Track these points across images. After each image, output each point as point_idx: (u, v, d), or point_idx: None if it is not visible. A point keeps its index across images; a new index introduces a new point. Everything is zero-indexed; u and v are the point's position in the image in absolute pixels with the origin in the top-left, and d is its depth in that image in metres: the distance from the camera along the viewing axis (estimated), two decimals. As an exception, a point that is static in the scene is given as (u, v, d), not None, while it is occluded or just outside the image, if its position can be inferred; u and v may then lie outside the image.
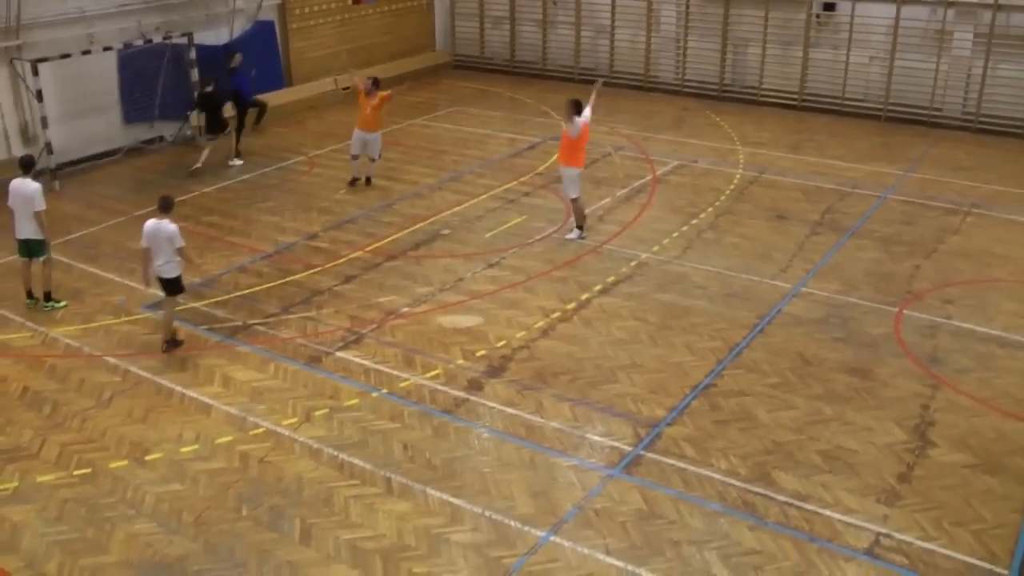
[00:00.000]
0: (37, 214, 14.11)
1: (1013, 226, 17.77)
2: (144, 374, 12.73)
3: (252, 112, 22.99)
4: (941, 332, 13.78)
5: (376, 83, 19.47)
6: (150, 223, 13.04)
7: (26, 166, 14.41)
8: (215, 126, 21.08)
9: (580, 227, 17.05)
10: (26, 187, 14.16)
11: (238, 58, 22.23)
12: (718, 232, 17.36)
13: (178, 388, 12.38)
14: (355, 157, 19.65)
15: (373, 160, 19.74)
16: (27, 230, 14.30)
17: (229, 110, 21.56)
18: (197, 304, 14.58)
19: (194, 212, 18.31)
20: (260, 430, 11.44)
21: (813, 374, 12.60)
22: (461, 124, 24.28)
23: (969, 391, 12.25)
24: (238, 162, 21.31)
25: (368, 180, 19.74)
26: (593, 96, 17.54)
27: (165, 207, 13.03)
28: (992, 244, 16.89)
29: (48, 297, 14.68)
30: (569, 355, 13.07)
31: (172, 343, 13.44)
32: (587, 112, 16.82)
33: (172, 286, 13.30)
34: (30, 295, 14.73)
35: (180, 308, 13.98)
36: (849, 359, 12.99)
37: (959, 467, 10.77)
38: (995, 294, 14.96)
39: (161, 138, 22.80)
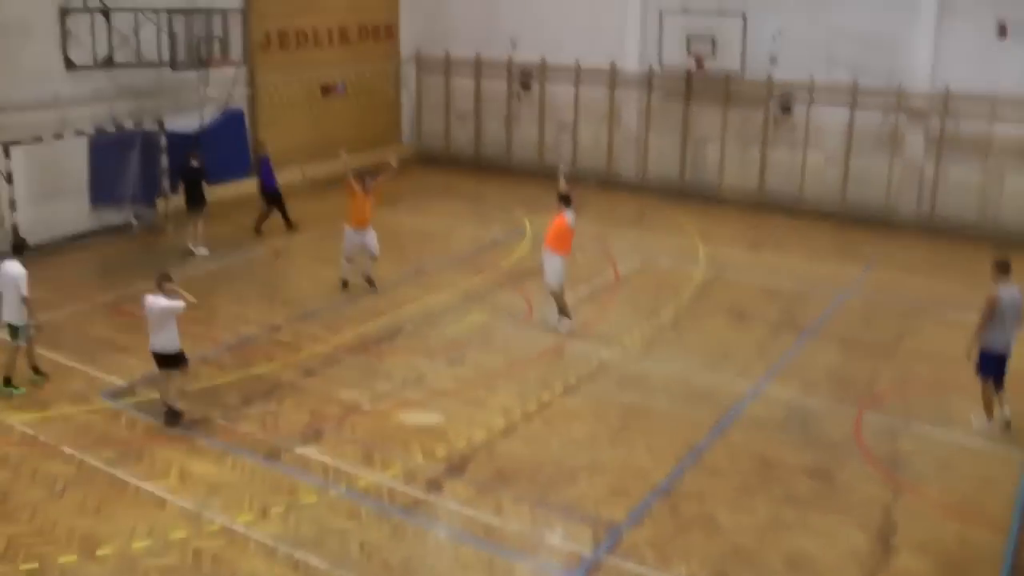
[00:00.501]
0: (25, 300, 14.26)
1: (968, 327, 17.73)
2: (99, 465, 12.38)
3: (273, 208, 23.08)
4: (902, 435, 13.70)
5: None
6: (148, 298, 13.34)
7: (16, 249, 14.73)
8: (196, 201, 21.25)
9: (567, 315, 17.08)
10: (13, 269, 14.32)
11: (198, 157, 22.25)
12: (679, 331, 17.34)
13: (133, 480, 12.03)
14: (350, 260, 18.85)
15: (374, 258, 18.91)
16: (9, 313, 14.41)
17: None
18: (157, 395, 14.25)
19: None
20: (215, 526, 11.09)
21: (774, 476, 12.46)
22: (425, 218, 24.27)
23: (931, 496, 12.15)
24: (203, 251, 21.13)
25: (371, 281, 18.96)
26: (562, 183, 17.65)
27: (161, 281, 13.40)
28: (949, 346, 16.73)
29: (8, 382, 14.44)
30: (530, 455, 12.86)
31: (173, 414, 13.51)
32: (571, 213, 17.02)
33: (175, 360, 13.54)
34: (36, 370, 14.87)
35: (140, 399, 13.94)
36: (810, 462, 12.86)
37: (921, 575, 10.60)
38: (955, 397, 14.84)
39: (129, 224, 22.62)
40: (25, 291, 14.23)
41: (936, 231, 24.02)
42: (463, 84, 30.75)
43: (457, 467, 12.51)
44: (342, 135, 27.78)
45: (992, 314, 13.55)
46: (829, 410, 14.38)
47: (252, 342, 16.39)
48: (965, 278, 20.50)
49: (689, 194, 27.07)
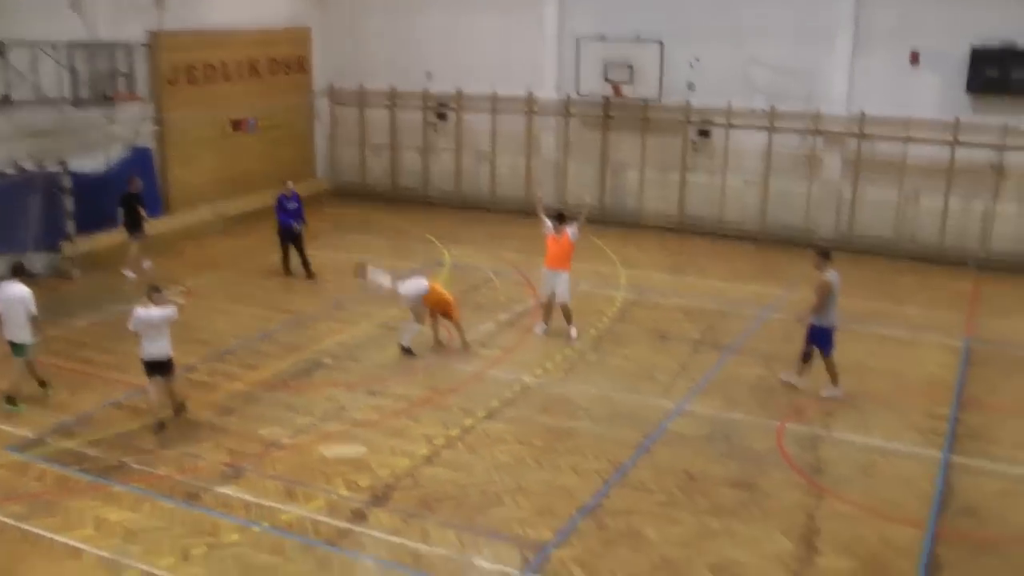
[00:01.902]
0: (34, 318, 15.29)
1: (887, 340, 18.64)
2: (8, 520, 12.21)
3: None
4: (823, 444, 14.32)
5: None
6: (139, 311, 14.27)
7: (16, 271, 15.68)
8: (135, 226, 22.19)
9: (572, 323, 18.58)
10: (18, 290, 15.28)
11: (138, 183, 22.67)
12: (601, 354, 17.79)
13: (46, 534, 11.92)
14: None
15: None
16: (14, 332, 15.29)
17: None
18: (69, 444, 14.22)
19: (66, 348, 17.96)
20: (135, 573, 11.10)
21: (699, 490, 12.90)
22: (342, 252, 24.48)
23: (852, 499, 12.71)
24: (131, 275, 21.98)
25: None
26: (583, 218, 18.55)
27: (151, 292, 14.43)
28: (868, 358, 17.64)
29: (11, 400, 15.37)
30: (454, 481, 13.13)
31: (181, 409, 15.01)
32: (574, 227, 18.23)
33: (168, 367, 14.68)
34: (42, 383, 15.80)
35: (51, 449, 13.92)
36: (734, 473, 13.35)
37: (845, 573, 11.12)
38: (872, 405, 15.64)
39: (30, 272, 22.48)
40: (34, 309, 15.22)
41: (855, 250, 24.85)
42: (378, 116, 31.14)
43: (381, 497, 12.72)
44: (254, 171, 28.00)
45: (827, 296, 15.57)
46: (752, 423, 14.92)
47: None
48: (883, 296, 21.35)
49: (609, 220, 27.65)
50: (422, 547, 11.59)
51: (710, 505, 12.51)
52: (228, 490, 12.92)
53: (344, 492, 12.84)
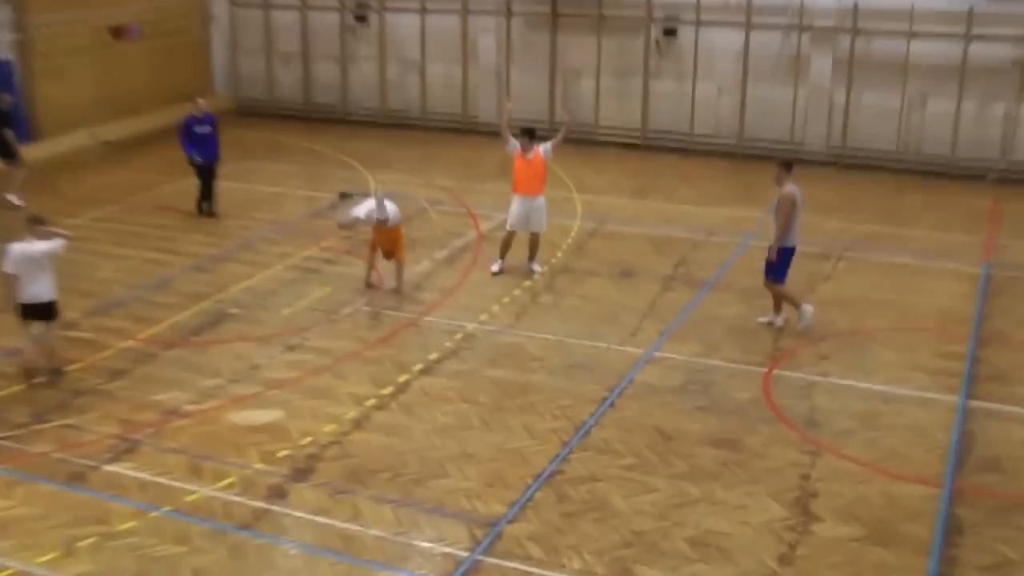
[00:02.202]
0: None
1: (890, 269, 18.71)
2: None
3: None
4: (817, 391, 14.35)
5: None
6: (17, 247, 14.21)
7: None
8: (7, 151, 22.25)
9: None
10: None
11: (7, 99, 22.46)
12: (556, 294, 17.78)
13: None
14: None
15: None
16: None
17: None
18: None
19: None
20: (7, 572, 10.85)
21: (674, 450, 12.88)
22: (249, 182, 24.21)
23: (853, 455, 12.75)
24: (15, 200, 21.30)
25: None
26: (562, 135, 18.57)
27: (33, 224, 14.45)
28: (868, 290, 17.73)
29: None
30: (388, 448, 13.02)
31: (58, 372, 14.79)
32: (547, 145, 18.38)
33: (51, 310, 14.61)
34: None
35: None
36: (715, 430, 13.34)
37: (847, 541, 11.13)
38: (875, 345, 15.71)
39: None
40: None
41: (850, 165, 24.95)
42: (286, 19, 30.75)
43: (304, 470, 12.58)
44: (140, 87, 27.49)
45: (792, 212, 15.82)
46: (734, 371, 14.93)
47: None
48: (885, 217, 21.45)
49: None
50: (353, 527, 11.47)
51: (688, 468, 12.49)
52: (120, 468, 12.70)
53: (259, 466, 12.68)
